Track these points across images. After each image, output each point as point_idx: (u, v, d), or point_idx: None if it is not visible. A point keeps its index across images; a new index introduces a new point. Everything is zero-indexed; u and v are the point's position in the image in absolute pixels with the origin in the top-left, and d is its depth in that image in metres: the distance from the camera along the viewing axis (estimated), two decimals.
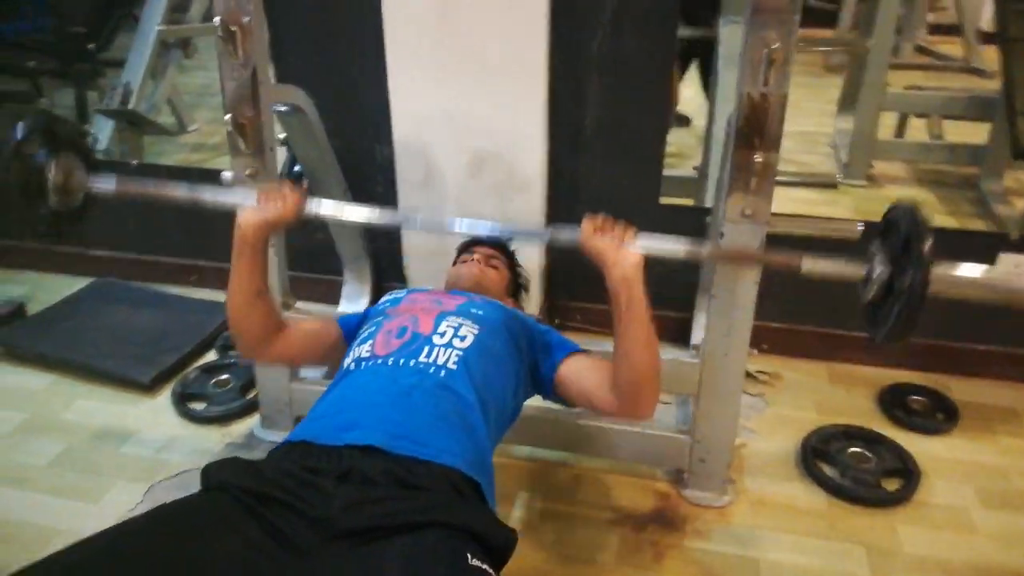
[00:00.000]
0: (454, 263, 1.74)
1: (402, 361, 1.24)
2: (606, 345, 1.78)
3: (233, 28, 1.66)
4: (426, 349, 1.26)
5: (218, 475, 1.08)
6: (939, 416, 2.07)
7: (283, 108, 1.94)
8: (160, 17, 3.22)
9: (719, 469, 1.80)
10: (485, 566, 0.97)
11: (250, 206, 1.37)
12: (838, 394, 2.18)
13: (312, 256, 2.46)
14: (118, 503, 1.79)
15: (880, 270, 1.25)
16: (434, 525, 0.99)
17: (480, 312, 1.38)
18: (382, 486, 1.04)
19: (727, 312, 1.65)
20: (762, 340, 2.33)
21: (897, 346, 2.19)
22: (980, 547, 1.68)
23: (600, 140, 2.17)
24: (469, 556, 0.97)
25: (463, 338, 1.29)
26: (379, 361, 1.26)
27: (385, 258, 2.42)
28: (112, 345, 2.31)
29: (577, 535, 1.72)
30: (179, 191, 1.53)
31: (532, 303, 2.29)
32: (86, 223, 2.50)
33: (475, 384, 1.23)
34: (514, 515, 1.77)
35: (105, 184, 1.56)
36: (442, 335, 1.29)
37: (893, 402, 2.10)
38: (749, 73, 1.45)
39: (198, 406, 2.12)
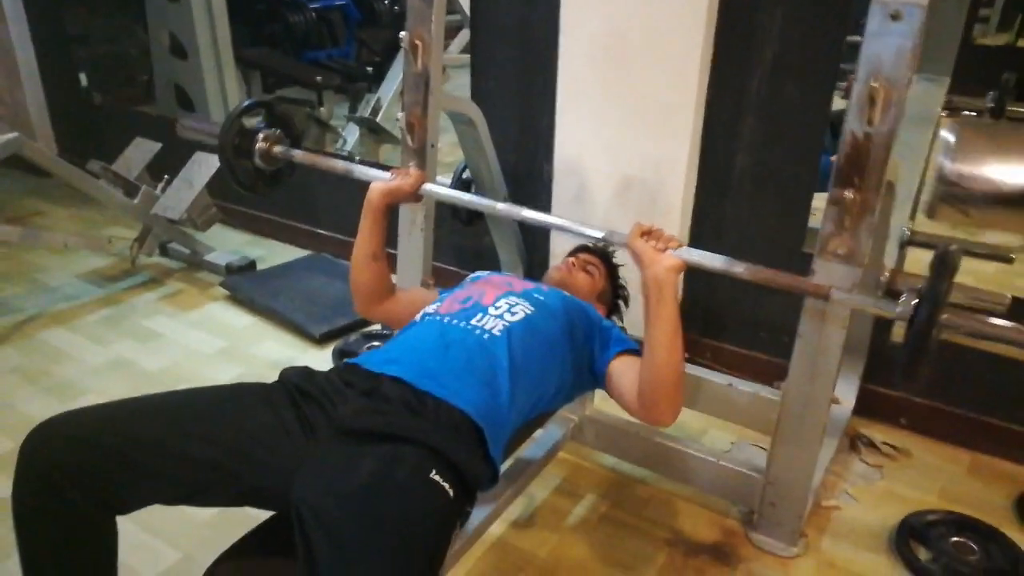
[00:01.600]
0: None
1: (455, 321, 1.42)
2: None
3: (417, 42, 1.98)
4: (479, 315, 1.43)
5: (286, 374, 1.34)
6: None
7: (460, 117, 2.25)
8: None
9: (790, 518, 1.73)
10: (445, 484, 1.12)
11: (382, 179, 1.66)
12: (972, 486, 1.97)
13: (479, 256, 2.75)
14: None
15: (903, 307, 1.21)
16: (416, 443, 1.16)
17: (541, 298, 1.51)
18: (392, 404, 1.23)
19: (811, 355, 1.61)
20: (901, 414, 2.19)
21: None
22: None
23: (748, 181, 2.20)
24: (433, 471, 1.12)
25: (514, 313, 1.44)
26: (437, 318, 1.45)
27: (537, 270, 2.62)
28: (304, 303, 2.75)
29: (627, 544, 1.76)
30: (339, 165, 1.89)
31: None
32: (316, 202, 3.00)
33: (512, 353, 1.37)
34: (575, 512, 1.86)
35: (295, 156, 1.99)
36: (497, 307, 1.45)
37: None
38: (856, 110, 1.45)
39: None
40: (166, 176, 2.93)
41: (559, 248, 2.48)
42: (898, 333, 1.24)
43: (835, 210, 1.52)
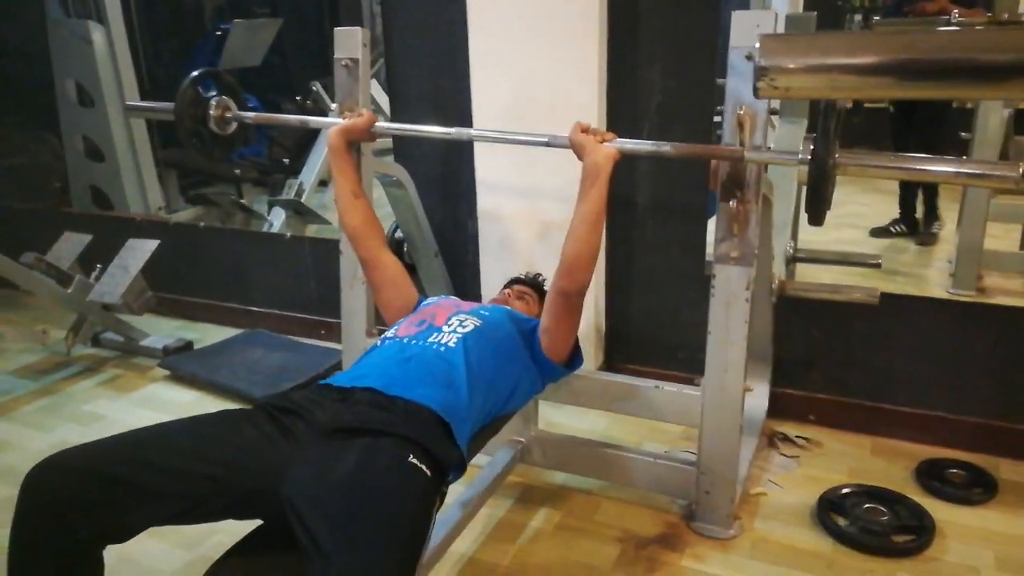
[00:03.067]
0: None
1: (413, 341, 1.59)
2: None
3: (346, 113, 2.20)
4: (434, 334, 1.60)
5: (260, 400, 1.46)
6: (977, 490, 2.05)
7: (388, 179, 2.46)
8: None
9: (724, 503, 1.92)
10: (422, 466, 1.27)
11: (336, 123, 1.92)
12: (876, 463, 2.21)
13: None
14: None
15: (804, 153, 1.48)
16: (392, 435, 1.30)
17: (487, 313, 1.71)
18: (365, 406, 1.38)
19: (723, 348, 1.84)
20: (809, 411, 2.44)
21: (945, 421, 2.23)
22: None
23: (650, 215, 2.47)
24: (410, 455, 1.26)
25: (465, 326, 1.62)
26: (397, 340, 1.62)
27: None
28: (245, 373, 2.83)
29: (582, 545, 1.91)
30: (292, 119, 2.21)
31: (590, 363, 2.56)
32: (249, 280, 3.12)
33: (468, 359, 1.54)
34: (531, 525, 1.99)
35: (247, 117, 2.20)
36: (449, 324, 1.63)
37: (930, 473, 2.11)
38: (729, 135, 1.73)
39: None
40: (99, 265, 2.99)
41: (490, 293, 2.68)
42: (803, 178, 1.50)
43: (724, 221, 1.78)
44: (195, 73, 2.11)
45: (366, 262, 1.87)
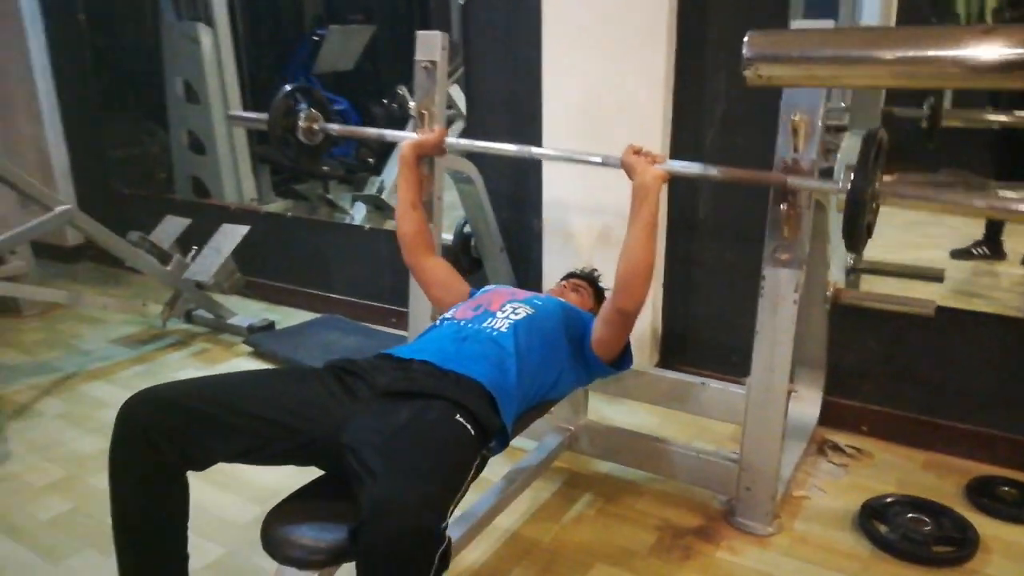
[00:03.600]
0: None
1: (469, 324, 1.71)
2: None
3: (423, 111, 2.35)
4: (488, 320, 1.72)
5: (328, 362, 1.61)
6: None
7: (459, 175, 2.60)
8: None
9: (764, 500, 1.96)
10: (468, 425, 1.39)
11: (410, 137, 2.09)
12: (926, 477, 2.20)
13: None
14: None
15: (844, 181, 1.52)
16: (442, 397, 1.43)
17: (539, 303, 1.81)
18: (421, 375, 1.51)
19: (769, 348, 1.89)
20: (862, 421, 2.44)
21: (1002, 440, 2.21)
22: None
23: (711, 223, 2.53)
24: (457, 415, 1.39)
25: (518, 313, 1.73)
26: (455, 322, 1.74)
27: None
28: (320, 353, 3.02)
29: (623, 530, 1.98)
30: (371, 132, 2.39)
31: (645, 361, 2.63)
32: (329, 268, 3.32)
33: (518, 344, 1.65)
34: (574, 508, 2.08)
35: (332, 129, 2.38)
36: (503, 311, 1.75)
37: (981, 490, 2.09)
38: (783, 139, 1.79)
39: None
40: (195, 247, 3.25)
41: (551, 286, 2.79)
42: (840, 206, 1.54)
43: (775, 224, 1.84)
44: (288, 87, 2.31)
45: (412, 267, 2.01)
